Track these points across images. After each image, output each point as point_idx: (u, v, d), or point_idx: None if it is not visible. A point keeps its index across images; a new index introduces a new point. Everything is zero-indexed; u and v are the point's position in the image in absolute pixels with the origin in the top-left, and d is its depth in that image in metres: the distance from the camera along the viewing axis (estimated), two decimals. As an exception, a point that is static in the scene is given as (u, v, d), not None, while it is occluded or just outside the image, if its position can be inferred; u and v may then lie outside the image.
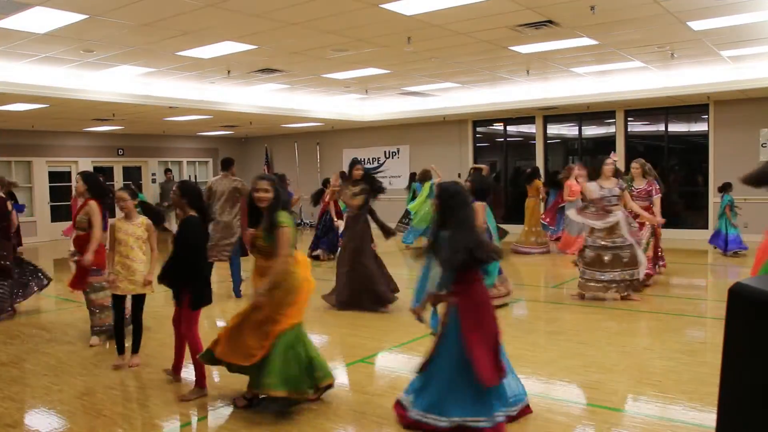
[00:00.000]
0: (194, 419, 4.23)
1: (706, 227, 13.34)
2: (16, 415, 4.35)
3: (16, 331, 6.79)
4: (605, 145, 14.85)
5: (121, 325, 5.42)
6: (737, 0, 6.94)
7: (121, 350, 5.38)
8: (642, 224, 7.85)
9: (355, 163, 7.59)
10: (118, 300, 5.38)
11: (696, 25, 7.98)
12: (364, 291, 7.26)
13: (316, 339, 6.55)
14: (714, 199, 13.39)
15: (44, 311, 8.02)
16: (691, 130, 14.52)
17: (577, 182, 10.88)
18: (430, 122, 16.79)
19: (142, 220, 5.44)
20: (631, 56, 10.02)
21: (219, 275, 8.95)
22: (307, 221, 18.29)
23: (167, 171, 18.33)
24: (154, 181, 19.37)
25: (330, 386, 4.41)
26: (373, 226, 7.56)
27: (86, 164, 17.48)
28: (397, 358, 5.66)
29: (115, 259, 5.28)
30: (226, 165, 8.40)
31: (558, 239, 12.28)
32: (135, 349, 5.41)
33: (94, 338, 6.17)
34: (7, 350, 6.06)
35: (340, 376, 5.19)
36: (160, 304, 8.50)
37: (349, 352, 5.87)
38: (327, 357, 5.71)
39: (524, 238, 12.24)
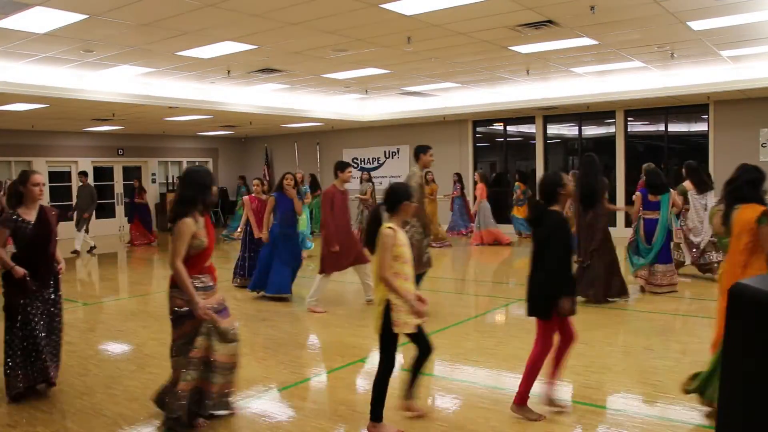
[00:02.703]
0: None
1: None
2: (16, 415, 4.34)
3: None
4: (605, 145, 14.86)
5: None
6: (737, 0, 6.94)
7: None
8: None
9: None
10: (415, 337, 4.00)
11: (696, 25, 7.98)
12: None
13: (316, 339, 6.57)
14: (714, 199, 13.38)
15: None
16: (691, 130, 14.52)
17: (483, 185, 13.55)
18: (430, 122, 16.79)
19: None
20: (631, 56, 10.02)
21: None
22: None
23: (82, 174, 14.52)
24: (154, 181, 19.36)
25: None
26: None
27: (86, 164, 17.50)
28: (396, 358, 5.65)
29: (398, 283, 3.78)
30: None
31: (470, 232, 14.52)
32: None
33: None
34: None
35: (341, 376, 5.19)
36: (161, 303, 8.52)
37: (349, 352, 5.86)
38: (327, 357, 5.73)
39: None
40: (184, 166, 20.23)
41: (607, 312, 7.04)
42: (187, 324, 3.86)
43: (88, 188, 14.03)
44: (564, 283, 3.95)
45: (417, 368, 4.02)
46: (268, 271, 8.00)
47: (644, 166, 9.34)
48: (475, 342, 6.02)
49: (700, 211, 8.56)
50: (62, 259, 4.85)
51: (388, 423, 3.87)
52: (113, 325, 7.21)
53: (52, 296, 4.72)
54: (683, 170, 8.87)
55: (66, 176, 17.50)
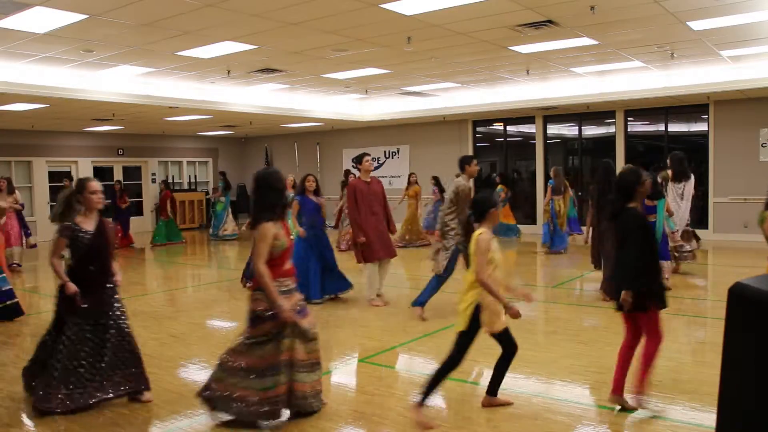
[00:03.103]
0: (195, 419, 4.22)
1: (706, 227, 13.34)
2: (16, 415, 4.35)
3: (16, 331, 6.79)
4: (605, 145, 14.86)
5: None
6: (737, 0, 6.95)
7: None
8: None
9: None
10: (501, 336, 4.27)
11: (696, 25, 7.99)
12: None
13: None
14: (714, 199, 13.40)
15: (44, 311, 8.02)
16: (691, 130, 14.52)
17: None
18: (430, 122, 16.80)
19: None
20: (631, 56, 10.02)
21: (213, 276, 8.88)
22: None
23: (66, 179, 14.44)
24: (153, 181, 19.36)
25: None
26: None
27: (86, 164, 17.51)
28: (397, 358, 5.67)
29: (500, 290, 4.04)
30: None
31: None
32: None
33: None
34: (7, 350, 6.06)
35: (341, 376, 5.19)
36: (160, 303, 8.52)
37: (349, 352, 5.87)
38: (327, 357, 5.72)
39: (398, 235, 13.31)
40: (185, 166, 20.25)
41: (607, 312, 7.03)
42: (268, 324, 3.94)
43: (69, 191, 13.75)
44: (651, 278, 4.03)
45: (503, 367, 4.25)
46: (305, 276, 7.62)
47: (624, 167, 9.45)
48: (475, 342, 6.01)
49: (677, 198, 8.88)
50: (118, 270, 4.60)
51: (427, 414, 3.98)
52: (113, 325, 7.19)
53: (116, 311, 4.46)
54: (668, 159, 9.22)
55: (66, 176, 17.49)
